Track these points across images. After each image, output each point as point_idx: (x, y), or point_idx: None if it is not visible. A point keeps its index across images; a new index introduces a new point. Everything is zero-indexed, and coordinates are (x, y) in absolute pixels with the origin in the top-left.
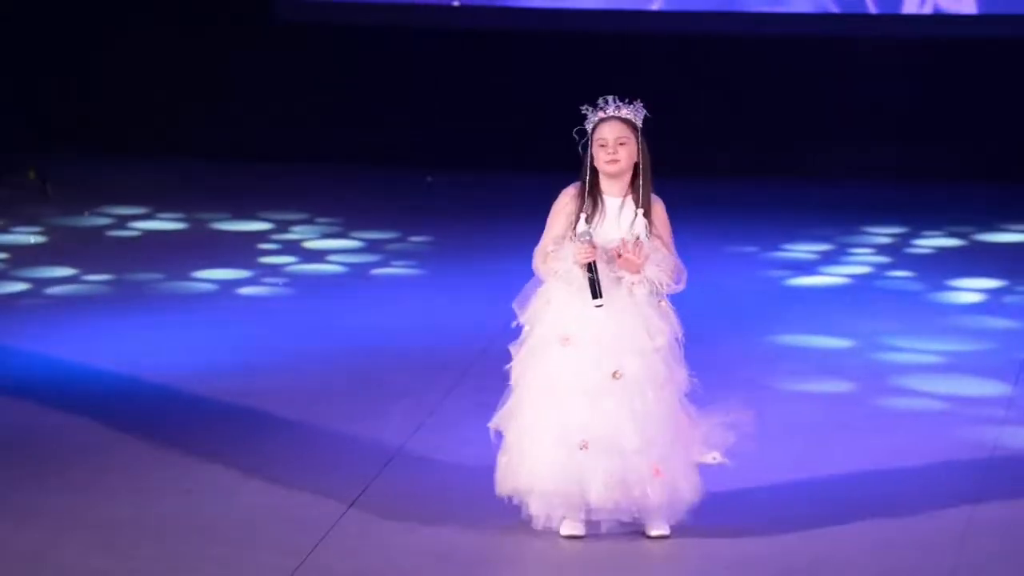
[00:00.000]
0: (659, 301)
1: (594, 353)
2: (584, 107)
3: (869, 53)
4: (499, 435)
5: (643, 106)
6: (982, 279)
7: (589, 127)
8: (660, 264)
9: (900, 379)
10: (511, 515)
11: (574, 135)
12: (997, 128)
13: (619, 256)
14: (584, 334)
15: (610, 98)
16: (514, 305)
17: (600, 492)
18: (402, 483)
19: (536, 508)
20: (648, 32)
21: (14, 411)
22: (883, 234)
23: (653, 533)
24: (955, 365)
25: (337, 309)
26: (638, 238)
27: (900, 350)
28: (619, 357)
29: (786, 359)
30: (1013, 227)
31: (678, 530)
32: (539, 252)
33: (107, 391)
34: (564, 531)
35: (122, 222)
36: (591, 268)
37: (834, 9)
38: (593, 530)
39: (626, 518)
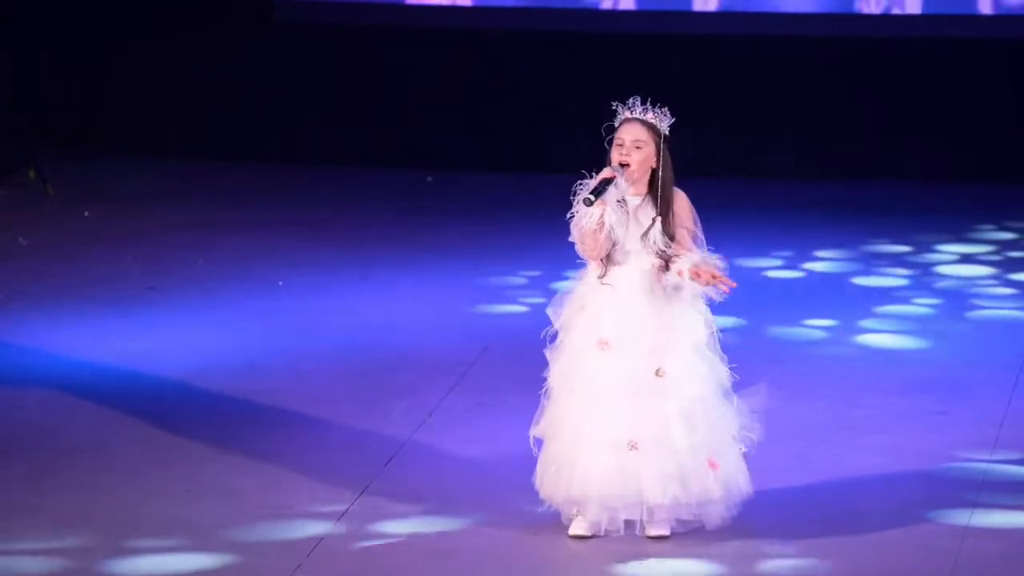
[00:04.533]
0: (693, 297)
1: (634, 354)
2: (614, 104)
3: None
4: (539, 442)
5: (669, 112)
6: (978, 279)
7: (616, 124)
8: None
9: (901, 379)
10: (512, 514)
11: (602, 131)
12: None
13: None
14: (622, 336)
15: (638, 99)
16: (548, 311)
17: (656, 490)
18: (403, 482)
19: (594, 515)
20: (648, 32)
21: (14, 411)
22: (902, 237)
23: (653, 533)
24: (956, 365)
25: (337, 309)
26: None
27: (902, 351)
28: (660, 355)
29: (788, 360)
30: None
31: (678, 530)
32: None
33: (107, 391)
34: (573, 531)
35: (123, 222)
36: (608, 183)
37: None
38: (596, 530)
39: (686, 515)
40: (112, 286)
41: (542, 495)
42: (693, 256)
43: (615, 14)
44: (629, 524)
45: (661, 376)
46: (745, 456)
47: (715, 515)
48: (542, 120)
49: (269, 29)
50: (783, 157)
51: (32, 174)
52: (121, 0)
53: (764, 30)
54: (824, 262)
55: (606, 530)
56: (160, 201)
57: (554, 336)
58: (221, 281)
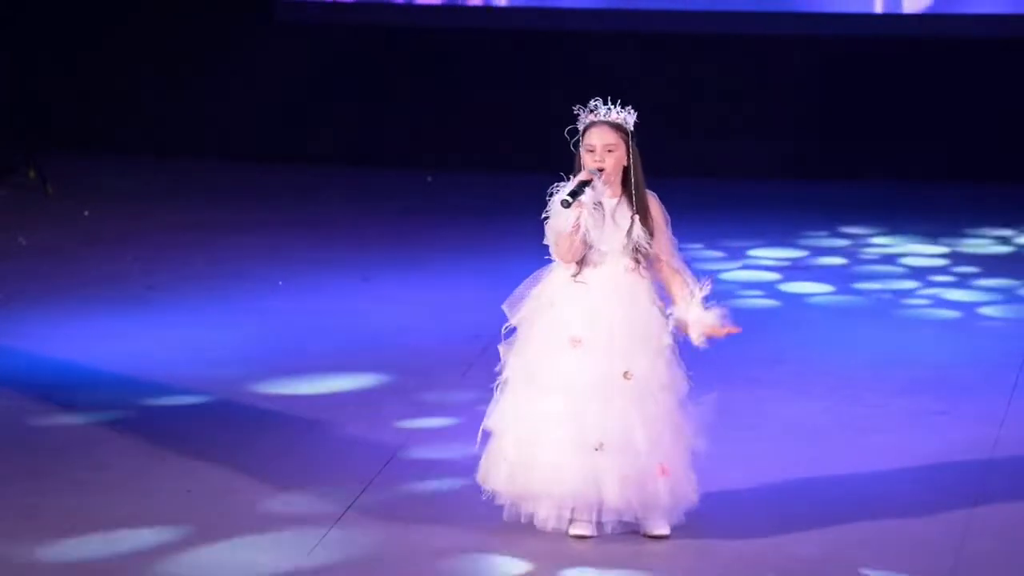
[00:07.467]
0: (656, 302)
1: (605, 354)
2: (576, 107)
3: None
4: (487, 434)
5: (633, 110)
6: (977, 279)
7: (580, 128)
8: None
9: (901, 379)
10: (511, 514)
11: (565, 135)
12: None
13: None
14: (594, 336)
15: (600, 101)
16: (504, 307)
17: (616, 492)
18: (401, 483)
19: (546, 511)
20: (645, 32)
21: (14, 411)
22: (890, 239)
23: (653, 533)
24: (956, 365)
25: (336, 309)
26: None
27: (899, 350)
28: (629, 357)
29: (788, 360)
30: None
31: (678, 530)
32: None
33: (107, 391)
34: (574, 531)
35: (123, 222)
36: (585, 185)
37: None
38: (599, 530)
39: (630, 518)
40: (112, 286)
41: (488, 487)
42: (693, 308)
43: (618, 14)
44: (629, 524)
45: (629, 379)
46: (692, 465)
47: (657, 521)
48: (543, 120)
49: (269, 29)
50: (784, 157)
51: (32, 174)
52: (121, 0)
53: (764, 30)
54: (823, 260)
55: (611, 528)
56: (160, 201)
57: (511, 332)
58: (221, 281)
